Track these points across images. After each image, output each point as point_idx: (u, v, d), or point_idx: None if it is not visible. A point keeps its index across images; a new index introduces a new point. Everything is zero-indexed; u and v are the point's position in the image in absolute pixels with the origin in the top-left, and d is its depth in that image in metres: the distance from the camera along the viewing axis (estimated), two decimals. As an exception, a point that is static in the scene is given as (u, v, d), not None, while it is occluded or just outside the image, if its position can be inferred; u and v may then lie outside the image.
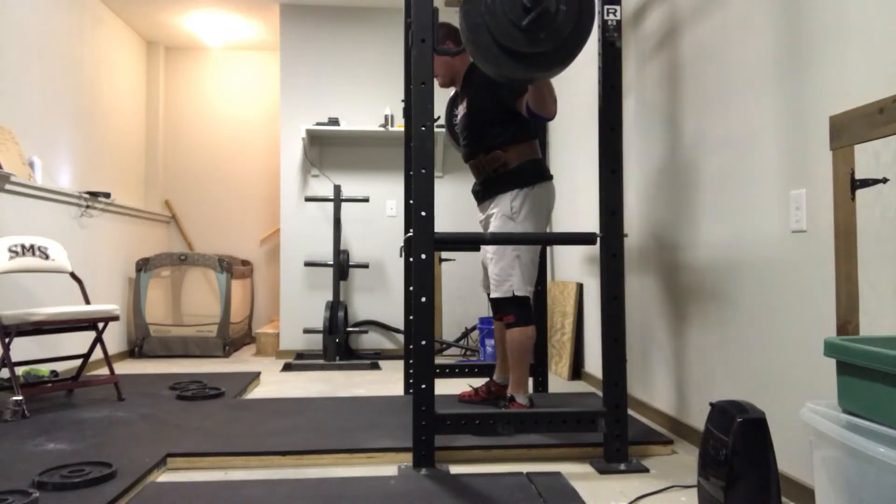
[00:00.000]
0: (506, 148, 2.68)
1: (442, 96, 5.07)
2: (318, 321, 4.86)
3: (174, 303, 5.26)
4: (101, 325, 3.23)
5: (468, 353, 4.81)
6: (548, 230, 2.83)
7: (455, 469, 2.21)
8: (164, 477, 2.18)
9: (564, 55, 2.10)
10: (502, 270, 2.66)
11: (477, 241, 2.67)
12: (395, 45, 5.05)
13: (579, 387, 3.65)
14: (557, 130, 4.16)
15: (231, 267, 5.04)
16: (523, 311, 2.66)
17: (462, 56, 2.84)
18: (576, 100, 3.81)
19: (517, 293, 2.64)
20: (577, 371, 3.91)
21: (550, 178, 2.75)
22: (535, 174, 2.70)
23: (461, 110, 2.87)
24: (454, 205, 5.02)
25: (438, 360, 4.04)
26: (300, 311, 4.98)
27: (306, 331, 4.77)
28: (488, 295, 2.86)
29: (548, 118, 2.60)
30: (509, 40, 2.03)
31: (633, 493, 1.99)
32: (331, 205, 4.96)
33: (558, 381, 3.80)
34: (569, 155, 4.02)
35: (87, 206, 4.26)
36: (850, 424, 1.19)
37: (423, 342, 2.19)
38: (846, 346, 1.24)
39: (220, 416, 2.81)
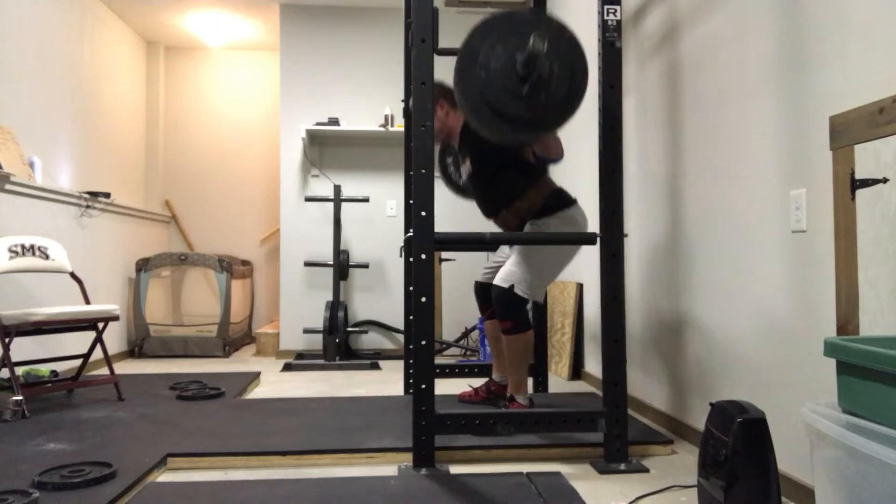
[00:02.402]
0: (524, 195, 2.67)
1: (442, 96, 4.93)
2: (318, 321, 4.86)
3: (174, 303, 5.26)
4: (101, 325, 3.23)
5: (468, 353, 4.81)
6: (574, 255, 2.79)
7: (455, 469, 2.21)
8: (164, 477, 2.18)
9: (565, 112, 2.16)
10: (518, 270, 2.63)
11: (477, 241, 2.67)
12: (395, 45, 5.05)
13: (579, 387, 3.65)
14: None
15: (231, 267, 5.04)
16: (520, 317, 2.63)
17: (455, 114, 2.81)
18: (576, 100, 3.81)
19: (517, 289, 2.61)
20: (577, 371, 3.91)
21: (574, 202, 2.73)
22: (557, 205, 2.68)
23: (466, 169, 2.84)
24: (454, 205, 5.00)
25: (438, 360, 4.04)
26: (300, 311, 4.98)
27: (306, 331, 4.77)
28: (477, 290, 2.91)
29: (556, 161, 2.62)
30: (510, 109, 2.08)
31: (633, 493, 1.99)
32: (331, 205, 4.96)
33: (558, 381, 3.80)
34: (569, 155, 4.01)
35: (87, 206, 4.26)
36: (850, 424, 1.19)
37: (423, 342, 2.18)
38: (846, 346, 1.24)
39: (220, 416, 2.81)
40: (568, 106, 2.15)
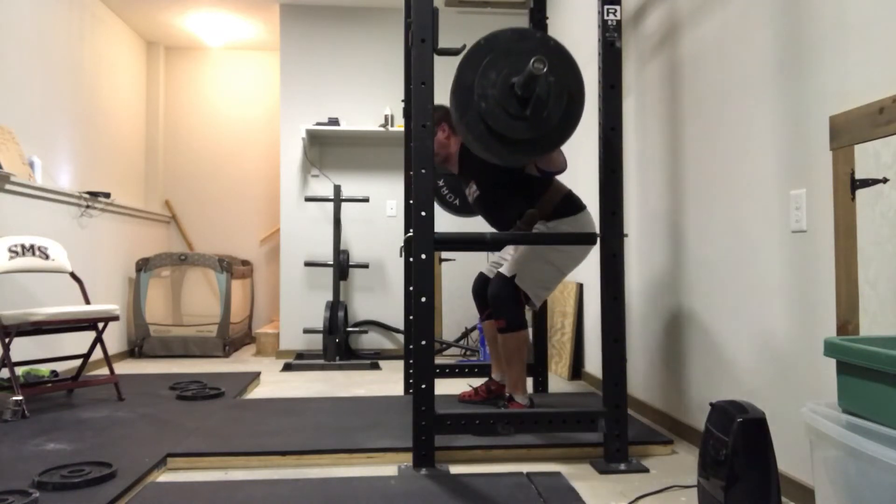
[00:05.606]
0: (535, 205, 2.69)
1: (442, 97, 4.99)
2: (318, 321, 4.86)
3: (174, 303, 5.26)
4: (101, 325, 3.23)
5: (468, 353, 4.81)
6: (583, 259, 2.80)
7: (455, 469, 2.21)
8: (164, 477, 2.18)
9: (567, 126, 2.19)
10: (522, 262, 2.64)
11: (477, 241, 2.67)
12: (395, 45, 5.05)
13: (579, 387, 3.65)
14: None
15: (231, 267, 5.04)
16: (514, 315, 2.63)
17: (455, 139, 2.80)
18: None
19: (517, 281, 2.60)
20: (577, 371, 3.91)
21: (583, 207, 2.74)
22: (568, 210, 2.70)
23: (472, 192, 2.84)
24: (454, 205, 5.01)
25: (438, 360, 4.04)
26: (300, 311, 4.98)
27: (306, 331, 4.77)
28: (475, 290, 2.95)
29: (560, 172, 2.64)
30: (516, 133, 2.13)
31: (633, 493, 1.99)
32: (331, 205, 4.96)
33: (558, 381, 3.80)
34: (569, 154, 4.01)
35: (87, 206, 4.26)
36: (850, 424, 1.19)
37: (423, 342, 2.19)
38: (846, 346, 1.24)
39: (220, 416, 2.81)
40: (569, 120, 2.18)
